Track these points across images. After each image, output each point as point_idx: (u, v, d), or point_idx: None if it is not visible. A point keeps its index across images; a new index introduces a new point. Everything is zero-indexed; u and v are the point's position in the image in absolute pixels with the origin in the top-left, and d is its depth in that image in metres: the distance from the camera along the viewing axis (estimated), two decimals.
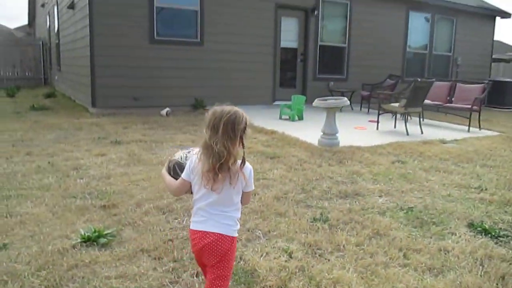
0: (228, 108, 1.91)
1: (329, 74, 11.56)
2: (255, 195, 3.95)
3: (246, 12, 10.01)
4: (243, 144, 1.92)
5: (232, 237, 1.97)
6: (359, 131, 7.89)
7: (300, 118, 8.69)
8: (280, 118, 8.80)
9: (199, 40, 9.56)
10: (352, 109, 10.85)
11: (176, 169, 2.05)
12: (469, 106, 8.44)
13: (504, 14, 15.04)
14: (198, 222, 1.97)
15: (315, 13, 11.02)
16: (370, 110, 10.56)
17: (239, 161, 1.91)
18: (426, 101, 8.45)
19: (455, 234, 3.34)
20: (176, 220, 3.43)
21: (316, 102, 6.10)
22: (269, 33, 10.44)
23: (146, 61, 9.01)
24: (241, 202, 2.02)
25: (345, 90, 11.00)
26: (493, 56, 16.11)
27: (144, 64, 8.98)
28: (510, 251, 3.11)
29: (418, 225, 3.49)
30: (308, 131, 6.89)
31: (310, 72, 11.26)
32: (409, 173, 5.00)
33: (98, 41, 8.49)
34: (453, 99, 9.35)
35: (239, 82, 10.09)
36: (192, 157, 1.99)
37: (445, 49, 14.11)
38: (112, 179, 4.39)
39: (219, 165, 1.84)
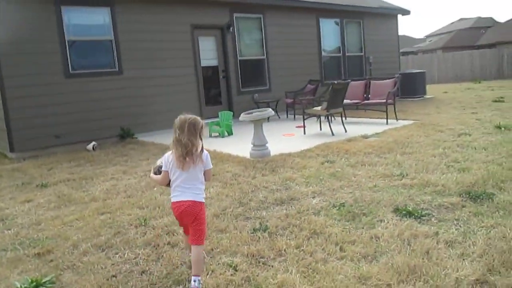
0: (190, 115, 2.83)
1: (253, 87, 11.87)
2: None
3: (163, 36, 10.02)
4: (201, 138, 2.83)
5: (200, 202, 2.87)
6: (287, 138, 8.18)
7: (230, 133, 8.83)
8: (210, 136, 8.89)
9: (117, 69, 9.42)
10: (279, 117, 11.20)
11: (159, 169, 2.96)
12: (384, 100, 9.07)
13: (404, 11, 16.36)
14: (177, 196, 2.86)
15: (231, 29, 11.29)
16: (295, 116, 10.96)
17: (199, 149, 2.80)
18: (346, 101, 8.95)
19: (384, 221, 3.61)
20: (117, 255, 3.37)
21: (242, 117, 6.26)
22: (188, 54, 10.52)
23: (64, 96, 8.70)
24: (205, 178, 2.95)
25: (270, 100, 11.34)
26: (401, 50, 17.43)
27: (62, 100, 8.66)
28: (432, 227, 3.41)
29: (350, 219, 3.72)
30: (239, 145, 7.04)
31: (234, 87, 11.48)
32: (338, 171, 5.28)
33: (9, 83, 8.07)
34: (369, 95, 9.99)
35: (165, 106, 10.04)
36: (165, 155, 2.90)
37: (357, 49, 15.04)
38: (43, 224, 4.21)
39: (186, 152, 2.75)
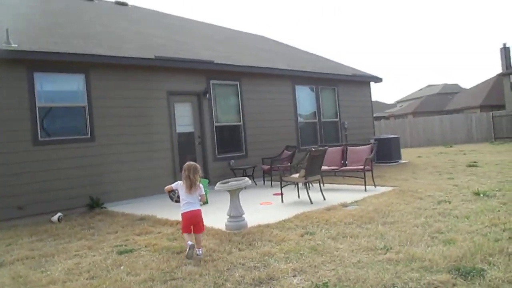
0: (192, 162, 5.11)
1: (229, 153, 11.71)
2: None
3: (138, 102, 9.92)
4: (199, 176, 5.05)
5: (199, 209, 5.03)
6: (265, 206, 7.90)
7: (205, 202, 8.47)
8: None
9: (89, 135, 9.15)
10: (256, 184, 10.96)
11: (173, 190, 5.26)
12: (362, 167, 9.00)
13: (376, 79, 16.94)
14: (187, 208, 4.99)
15: (207, 96, 11.32)
16: (272, 182, 10.75)
17: (197, 183, 4.99)
18: (323, 167, 8.84)
19: None
20: None
21: (218, 186, 6.00)
22: (163, 120, 10.39)
23: (31, 164, 8.30)
24: (200, 199, 5.11)
25: (246, 166, 11.17)
26: (374, 115, 17.82)
27: (28, 169, 8.26)
28: None
29: None
30: (215, 215, 6.70)
31: (209, 154, 11.30)
32: (319, 245, 4.99)
33: None
34: (346, 162, 9.93)
35: (137, 174, 9.72)
36: (178, 182, 5.14)
37: (332, 115, 15.28)
38: None
39: (191, 184, 4.96)
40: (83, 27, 11.80)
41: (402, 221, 5.90)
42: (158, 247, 5.36)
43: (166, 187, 5.27)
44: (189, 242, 4.73)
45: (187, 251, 4.67)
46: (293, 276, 4.05)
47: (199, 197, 5.06)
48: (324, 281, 3.83)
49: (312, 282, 3.84)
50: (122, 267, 4.68)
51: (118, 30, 12.64)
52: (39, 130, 8.48)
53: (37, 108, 8.50)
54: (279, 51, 17.28)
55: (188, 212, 4.96)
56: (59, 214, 7.94)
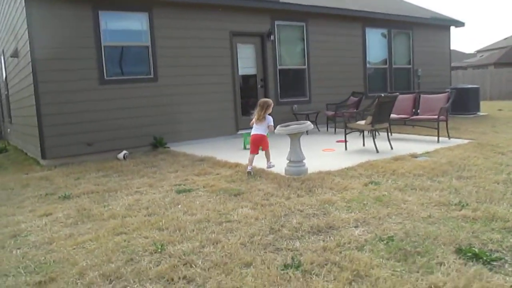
0: (266, 99, 6.41)
1: (292, 98, 11.31)
2: (217, 243, 3.50)
3: (201, 43, 9.70)
4: (270, 111, 6.26)
5: (263, 134, 6.23)
6: (327, 153, 7.56)
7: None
8: (245, 148, 8.40)
9: (152, 76, 9.15)
10: (319, 130, 10.58)
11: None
12: (436, 117, 8.27)
13: (458, 23, 15.35)
14: (253, 132, 6.27)
15: (271, 38, 10.84)
16: (336, 129, 10.30)
17: (265, 116, 6.21)
18: (392, 115, 8.23)
19: (444, 264, 2.95)
20: None
21: (278, 129, 5.74)
22: (226, 61, 10.14)
23: (98, 103, 8.50)
24: (269, 129, 6.21)
25: (309, 112, 10.77)
26: (451, 65, 16.36)
27: (96, 107, 8.47)
28: (507, 278, 2.73)
29: (401, 258, 3.09)
30: (275, 159, 6.47)
31: (272, 98, 10.90)
32: (384, 195, 4.63)
33: (43, 88, 7.95)
34: (418, 111, 9.20)
35: (200, 115, 9.69)
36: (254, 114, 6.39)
37: (404, 62, 14.20)
38: (54, 244, 3.81)
39: (259, 116, 6.21)
40: None
41: (480, 176, 5.32)
42: (216, 188, 5.28)
43: (251, 122, 6.41)
44: (249, 167, 5.98)
45: (247, 171, 5.98)
46: (355, 227, 3.77)
47: (267, 127, 6.19)
48: (389, 235, 3.52)
49: (376, 235, 3.54)
50: (179, 206, 4.66)
51: None
52: (105, 69, 8.58)
53: (102, 47, 8.55)
54: None
55: (253, 135, 6.26)
56: (124, 151, 8.16)
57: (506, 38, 52.26)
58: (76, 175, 6.93)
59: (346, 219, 3.95)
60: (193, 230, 3.86)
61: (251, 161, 6.04)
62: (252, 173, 5.86)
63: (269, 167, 6.23)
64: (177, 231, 3.86)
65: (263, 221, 4.00)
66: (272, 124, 6.18)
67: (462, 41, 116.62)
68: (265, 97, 10.91)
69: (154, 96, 9.14)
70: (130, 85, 8.89)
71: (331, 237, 3.56)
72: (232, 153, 7.93)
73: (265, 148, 6.30)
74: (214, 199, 4.82)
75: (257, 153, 6.17)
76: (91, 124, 8.41)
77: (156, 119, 9.13)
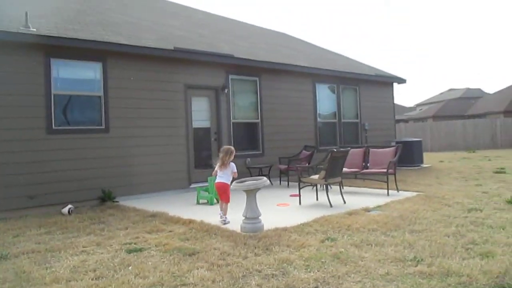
0: (228, 146, 6.71)
1: (246, 151, 11.36)
2: None
3: (154, 94, 9.64)
4: (232, 157, 6.45)
5: (227, 183, 6.35)
6: (282, 208, 7.53)
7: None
8: (198, 203, 8.23)
9: (104, 126, 8.89)
10: (272, 184, 10.54)
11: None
12: (385, 170, 8.56)
13: (400, 80, 16.39)
14: (219, 179, 6.38)
15: (225, 91, 10.99)
16: (289, 183, 10.37)
17: (229, 163, 6.39)
18: (344, 169, 8.43)
19: None
20: None
21: (234, 185, 5.67)
22: (180, 114, 10.10)
23: (44, 154, 8.08)
24: (233, 176, 6.39)
25: (262, 165, 10.82)
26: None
27: (41, 158, 8.04)
28: None
29: None
30: (230, 215, 6.35)
31: None
32: (342, 252, 4.61)
33: None
34: (368, 164, 9.49)
35: (152, 168, 9.44)
36: (218, 163, 6.46)
37: (353, 116, 14.81)
38: None
39: (222, 163, 6.37)
40: (103, 15, 11.59)
41: (431, 229, 5.47)
42: (169, 247, 5.04)
43: (213, 172, 6.62)
44: (220, 213, 6.37)
45: (221, 217, 6.35)
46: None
47: (231, 174, 6.37)
48: None
49: None
50: (130, 268, 4.38)
51: (138, 20, 12.39)
52: (53, 118, 8.26)
53: (52, 95, 8.26)
54: (300, 48, 16.86)
55: (217, 183, 6.43)
56: (69, 206, 7.70)
57: (442, 93, 56.39)
58: (15, 231, 6.40)
59: (305, 279, 3.86)
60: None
61: (222, 207, 6.41)
62: (225, 221, 6.27)
63: (224, 222, 6.21)
64: None
65: (220, 283, 3.83)
66: (236, 171, 6.40)
67: (402, 95, 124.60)
68: (219, 149, 10.89)
69: (105, 148, 8.85)
70: (80, 135, 8.58)
71: None
72: (185, 208, 7.72)
73: (226, 201, 6.34)
74: (168, 260, 4.58)
75: (224, 201, 6.40)
76: (35, 175, 7.93)
77: (105, 172, 8.79)
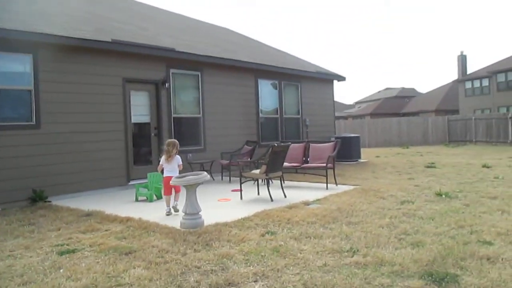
0: (172, 139, 6.86)
1: (187, 146, 11.15)
2: None
3: (90, 88, 9.20)
4: (176, 150, 6.60)
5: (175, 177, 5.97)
6: (223, 203, 7.49)
7: (159, 197, 7.96)
8: (137, 200, 7.98)
9: (34, 122, 8.36)
10: (213, 179, 10.53)
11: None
12: (324, 164, 8.77)
13: (340, 78, 16.87)
14: (166, 174, 6.52)
15: (166, 85, 10.74)
16: (231, 178, 10.35)
17: (174, 155, 6.56)
18: (285, 164, 8.54)
19: None
20: None
21: (174, 180, 5.55)
22: (118, 108, 9.72)
23: None
24: (179, 168, 6.63)
25: (204, 161, 10.71)
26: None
27: None
28: None
29: None
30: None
31: None
32: (281, 246, 4.65)
33: None
34: (308, 159, 9.68)
35: (87, 165, 9.02)
36: (162, 157, 6.60)
37: (294, 111, 15.04)
38: None
39: (168, 155, 6.52)
40: (38, 5, 10.87)
41: (367, 221, 5.68)
42: (105, 247, 4.83)
43: (159, 167, 6.74)
44: (167, 208, 6.46)
45: (167, 212, 6.45)
46: (254, 281, 3.69)
47: (177, 166, 6.58)
48: (288, 287, 3.49)
49: None
50: (61, 270, 4.14)
51: (76, 12, 11.78)
52: None
53: None
54: (243, 43, 16.86)
55: (166, 177, 6.50)
56: None
57: (379, 91, 58.91)
58: None
59: (245, 273, 3.85)
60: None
61: (168, 202, 6.53)
62: (172, 213, 6.45)
63: (174, 206, 6.55)
64: None
65: (158, 282, 3.72)
66: (181, 163, 6.69)
67: (342, 93, 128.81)
68: (159, 145, 10.65)
69: (36, 145, 8.32)
70: (8, 132, 7.99)
71: None
72: (123, 206, 7.46)
73: (178, 191, 6.63)
74: (103, 260, 4.38)
75: (171, 194, 6.58)
76: None
77: (37, 170, 8.27)
